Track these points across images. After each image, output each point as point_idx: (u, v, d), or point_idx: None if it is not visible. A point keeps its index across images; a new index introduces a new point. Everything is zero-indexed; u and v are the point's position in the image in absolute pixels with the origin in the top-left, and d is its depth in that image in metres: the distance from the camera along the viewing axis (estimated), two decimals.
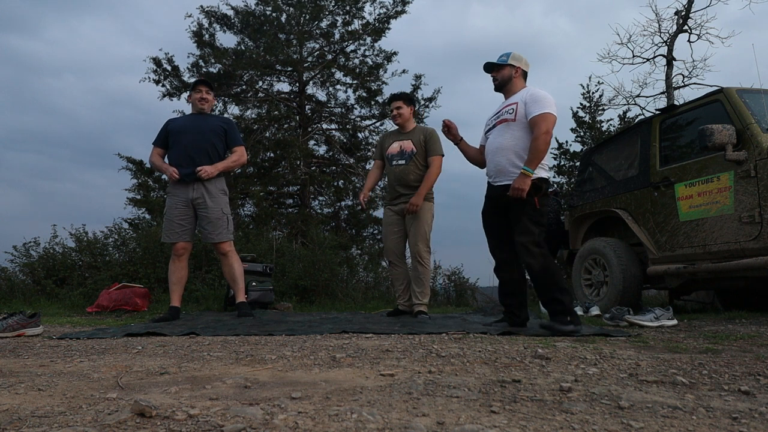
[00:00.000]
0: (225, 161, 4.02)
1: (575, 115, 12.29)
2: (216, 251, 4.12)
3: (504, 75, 3.21)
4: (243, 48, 10.54)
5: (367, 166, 10.89)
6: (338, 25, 10.88)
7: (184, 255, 3.98)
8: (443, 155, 4.15)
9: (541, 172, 3.02)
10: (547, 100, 3.00)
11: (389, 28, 10.83)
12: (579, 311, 4.92)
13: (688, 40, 11.81)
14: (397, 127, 4.34)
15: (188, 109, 4.16)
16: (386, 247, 4.28)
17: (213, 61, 10.51)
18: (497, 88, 3.27)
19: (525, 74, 3.24)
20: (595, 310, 4.29)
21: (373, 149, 4.90)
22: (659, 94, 12.27)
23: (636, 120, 10.55)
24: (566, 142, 11.14)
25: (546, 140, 2.94)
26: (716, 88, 4.10)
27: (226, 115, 10.93)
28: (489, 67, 3.26)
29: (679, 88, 11.90)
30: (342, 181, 11.17)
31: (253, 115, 10.84)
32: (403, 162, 4.13)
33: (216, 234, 3.93)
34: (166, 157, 4.07)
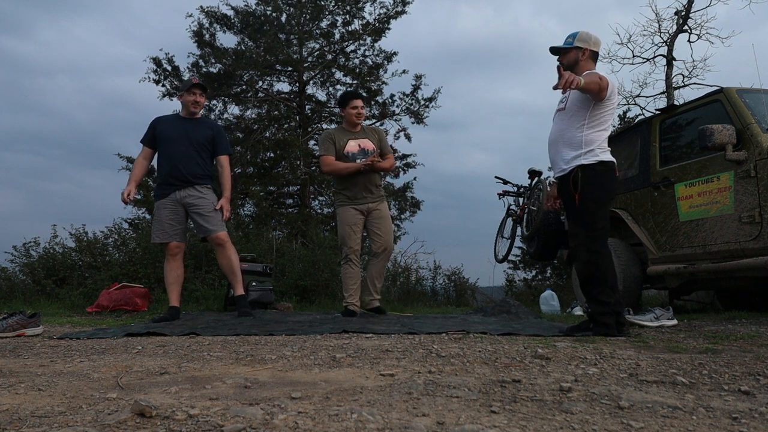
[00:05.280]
0: (227, 186, 4.07)
1: None
2: (212, 243, 4.11)
3: (570, 59, 2.95)
4: (243, 48, 10.54)
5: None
6: (338, 25, 10.88)
7: (178, 254, 3.99)
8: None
9: (588, 158, 2.82)
10: None
11: (389, 29, 10.85)
12: (579, 311, 4.93)
13: (688, 40, 11.79)
14: (342, 125, 4.28)
15: None
16: (348, 246, 4.12)
17: (213, 61, 10.51)
18: None
19: (595, 55, 2.98)
20: None
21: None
22: (659, 94, 12.25)
23: (636, 120, 10.53)
24: None
25: None
26: (716, 88, 4.10)
27: (225, 115, 10.94)
28: (554, 51, 3.02)
29: (679, 88, 11.88)
30: None
31: (253, 115, 10.84)
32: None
33: (211, 225, 3.95)
34: (155, 158, 4.10)
